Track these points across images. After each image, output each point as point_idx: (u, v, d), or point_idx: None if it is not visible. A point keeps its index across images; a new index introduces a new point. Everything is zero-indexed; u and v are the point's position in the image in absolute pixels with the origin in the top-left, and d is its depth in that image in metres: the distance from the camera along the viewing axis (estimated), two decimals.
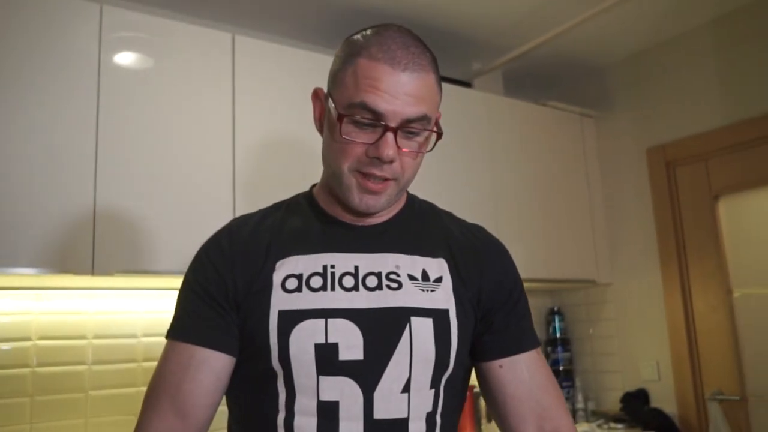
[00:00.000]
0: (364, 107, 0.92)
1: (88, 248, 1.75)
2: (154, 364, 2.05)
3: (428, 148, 0.99)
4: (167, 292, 2.17)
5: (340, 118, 0.93)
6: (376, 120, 0.92)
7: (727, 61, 2.66)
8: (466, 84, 2.84)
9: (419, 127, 0.95)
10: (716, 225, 2.67)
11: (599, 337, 3.04)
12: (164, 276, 1.88)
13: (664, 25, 2.76)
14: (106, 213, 1.79)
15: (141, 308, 2.13)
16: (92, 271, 1.74)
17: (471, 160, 2.59)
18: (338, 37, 2.58)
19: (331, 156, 0.99)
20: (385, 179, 0.96)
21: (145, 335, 2.12)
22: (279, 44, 2.24)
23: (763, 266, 2.54)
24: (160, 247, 1.86)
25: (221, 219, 1.95)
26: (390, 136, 0.92)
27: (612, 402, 2.93)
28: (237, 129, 2.04)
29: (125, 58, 1.90)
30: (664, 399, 2.76)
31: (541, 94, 3.19)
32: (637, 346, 2.90)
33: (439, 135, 0.98)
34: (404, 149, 0.95)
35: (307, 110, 2.12)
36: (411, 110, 0.93)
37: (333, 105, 0.96)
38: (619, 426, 2.72)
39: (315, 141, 2.12)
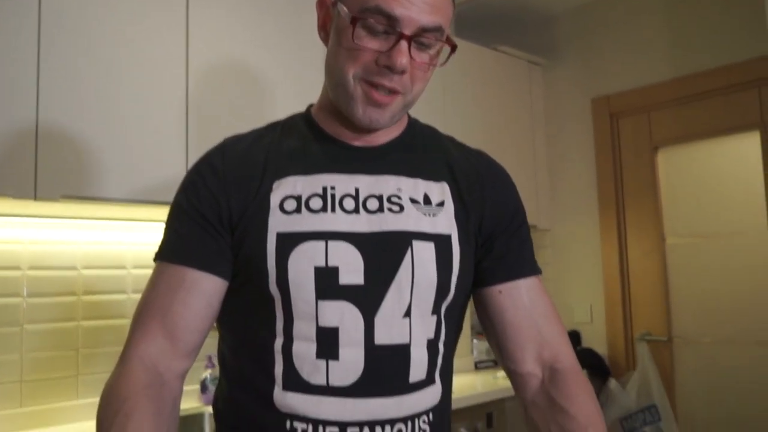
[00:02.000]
0: (379, 11, 0.86)
1: (29, 171, 1.61)
2: (95, 297, 2.01)
3: (441, 62, 0.94)
4: (109, 223, 2.05)
5: (354, 21, 0.87)
6: (390, 26, 0.87)
7: (675, 16, 2.72)
8: None
9: (433, 38, 0.90)
10: (654, 175, 2.78)
11: None
12: (111, 204, 1.77)
13: None
14: (49, 135, 1.65)
15: (80, 239, 2.00)
16: (35, 196, 1.61)
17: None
18: None
19: (336, 64, 0.92)
20: (393, 92, 0.91)
21: (85, 267, 2.00)
22: None
23: (696, 216, 2.67)
24: (107, 173, 1.74)
25: (172, 145, 1.88)
26: (404, 44, 0.87)
27: None
28: (191, 53, 1.92)
29: None
30: (596, 340, 2.89)
31: (492, 39, 3.17)
32: (573, 289, 3.01)
33: (453, 48, 0.93)
34: (416, 60, 0.90)
35: (264, 36, 2.07)
36: (427, 19, 0.88)
37: (344, 9, 0.89)
38: None
39: (272, 67, 2.07)
